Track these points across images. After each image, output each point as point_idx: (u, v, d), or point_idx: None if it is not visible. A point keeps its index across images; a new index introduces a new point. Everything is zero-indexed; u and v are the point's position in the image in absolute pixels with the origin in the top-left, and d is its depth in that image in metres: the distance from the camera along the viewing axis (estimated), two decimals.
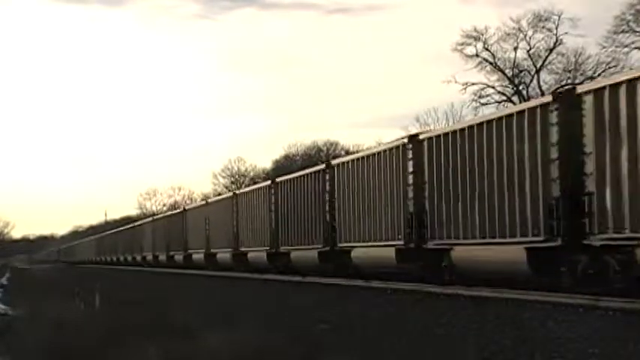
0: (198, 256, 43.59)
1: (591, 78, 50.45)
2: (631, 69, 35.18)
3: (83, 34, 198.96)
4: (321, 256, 27.49)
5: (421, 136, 22.00)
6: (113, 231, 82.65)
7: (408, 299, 18.59)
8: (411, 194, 21.93)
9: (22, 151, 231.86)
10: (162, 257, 52.76)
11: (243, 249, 36.00)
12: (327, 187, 27.41)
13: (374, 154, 24.42)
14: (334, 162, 27.86)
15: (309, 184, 29.07)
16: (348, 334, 15.98)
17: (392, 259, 22.64)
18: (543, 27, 57.03)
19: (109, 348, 16.85)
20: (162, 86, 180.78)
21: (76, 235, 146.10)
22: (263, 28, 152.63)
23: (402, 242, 22.21)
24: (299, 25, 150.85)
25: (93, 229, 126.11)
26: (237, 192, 39.22)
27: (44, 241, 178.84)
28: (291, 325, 18.21)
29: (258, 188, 35.26)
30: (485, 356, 11.71)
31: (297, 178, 30.69)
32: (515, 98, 57.02)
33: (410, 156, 22.00)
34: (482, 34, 58.59)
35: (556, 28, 56.65)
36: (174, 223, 49.91)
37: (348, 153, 60.02)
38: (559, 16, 56.65)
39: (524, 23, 57.72)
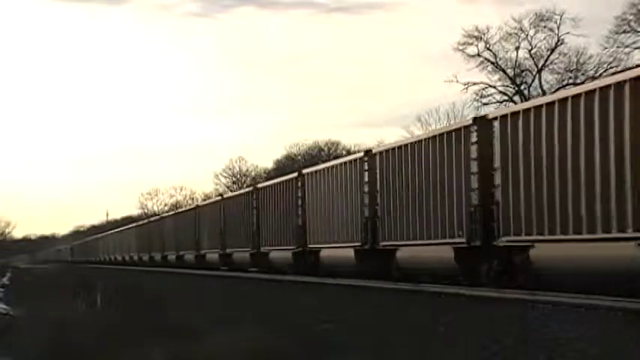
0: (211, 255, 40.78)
1: (593, 78, 49.36)
2: None
3: (82, 33, 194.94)
4: (359, 255, 24.59)
5: (490, 116, 19.07)
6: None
7: (408, 299, 17.49)
8: (475, 184, 18.93)
9: (22, 151, 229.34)
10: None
11: (263, 249, 33.08)
12: (366, 179, 24.43)
13: (426, 140, 21.49)
14: (375, 150, 25.03)
15: (343, 176, 26.14)
16: (348, 334, 15.17)
17: (449, 259, 19.79)
18: (545, 27, 55.94)
19: (110, 348, 15.81)
20: (162, 85, 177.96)
21: (77, 234, 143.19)
22: (263, 26, 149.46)
23: (463, 239, 19.24)
24: (299, 23, 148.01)
25: (95, 229, 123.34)
26: (258, 186, 36.23)
27: (45, 240, 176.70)
28: (292, 325, 17.27)
29: (283, 181, 32.25)
30: (486, 356, 11.38)
31: (328, 168, 27.91)
32: (516, 98, 55.93)
33: (474, 139, 19.07)
34: (484, 34, 57.27)
35: (558, 28, 55.55)
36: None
37: (349, 153, 57.66)
38: (561, 16, 55.47)
39: (525, 23, 56.50)
